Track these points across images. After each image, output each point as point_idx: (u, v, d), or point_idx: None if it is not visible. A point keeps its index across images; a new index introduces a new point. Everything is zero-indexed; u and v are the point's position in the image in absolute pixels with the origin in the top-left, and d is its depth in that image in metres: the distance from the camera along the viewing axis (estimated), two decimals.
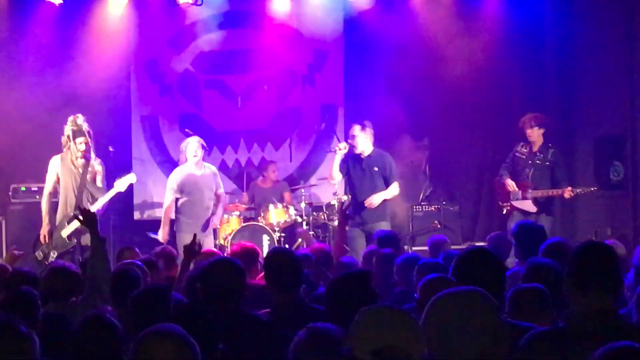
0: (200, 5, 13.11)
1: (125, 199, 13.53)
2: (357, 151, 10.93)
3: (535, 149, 11.24)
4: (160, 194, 13.75)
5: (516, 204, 11.23)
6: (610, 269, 4.01)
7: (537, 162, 11.20)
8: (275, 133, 14.24)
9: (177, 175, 11.47)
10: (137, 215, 13.92)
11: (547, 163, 11.20)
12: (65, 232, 10.43)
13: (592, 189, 11.10)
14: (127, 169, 13.37)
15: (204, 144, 11.48)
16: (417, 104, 13.53)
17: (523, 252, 6.96)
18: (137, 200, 13.87)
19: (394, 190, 10.94)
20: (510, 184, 11.26)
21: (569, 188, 10.97)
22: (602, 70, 11.88)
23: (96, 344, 4.22)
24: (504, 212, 11.41)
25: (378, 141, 12.32)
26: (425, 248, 10.29)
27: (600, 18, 11.88)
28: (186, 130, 13.04)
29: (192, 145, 11.30)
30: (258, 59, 14.13)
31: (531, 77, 13.21)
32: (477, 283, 3.61)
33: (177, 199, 11.46)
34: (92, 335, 4.25)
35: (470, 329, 3.13)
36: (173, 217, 11.51)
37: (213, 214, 11.50)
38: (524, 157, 11.31)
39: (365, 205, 10.73)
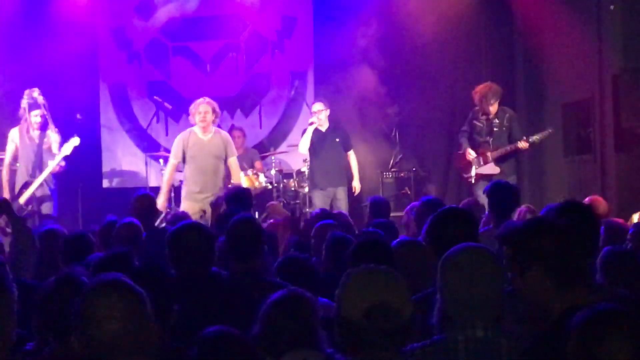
0: None
1: (93, 167, 13.50)
2: (321, 126, 11.74)
3: (492, 116, 11.22)
4: (128, 161, 13.74)
5: (480, 170, 11.22)
6: (587, 231, 4.03)
7: (495, 129, 11.20)
8: (245, 100, 14.19)
9: (178, 140, 10.80)
10: (105, 184, 13.86)
11: (504, 128, 11.22)
12: (22, 199, 10.73)
13: (549, 131, 11.10)
14: (95, 136, 13.38)
15: (216, 107, 10.78)
16: (387, 70, 13.50)
17: (497, 211, 6.97)
18: (105, 168, 13.81)
19: (355, 160, 11.99)
20: (470, 153, 11.27)
21: (523, 139, 10.99)
22: (570, 37, 11.91)
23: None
24: (472, 182, 11.37)
25: (348, 108, 12.37)
26: (397, 214, 10.37)
27: None
28: (155, 97, 12.97)
29: (201, 109, 10.62)
30: (226, 25, 14.05)
31: (499, 44, 13.23)
32: (452, 242, 3.69)
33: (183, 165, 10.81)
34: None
35: (485, 284, 3.39)
36: (174, 184, 11.28)
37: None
38: (482, 125, 11.30)
39: (354, 193, 11.97)
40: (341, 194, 11.69)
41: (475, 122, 11.34)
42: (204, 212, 10.06)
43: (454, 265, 3.46)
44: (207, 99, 10.78)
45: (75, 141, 10.88)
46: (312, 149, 11.76)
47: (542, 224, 3.42)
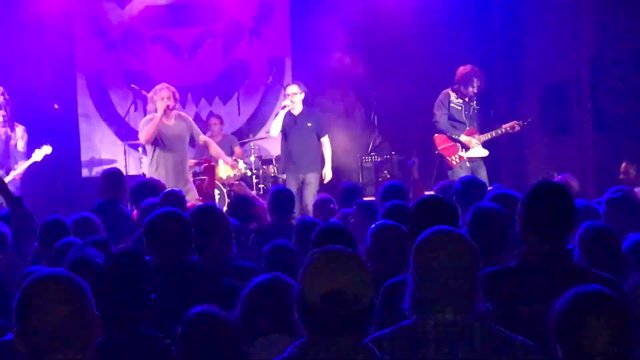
0: None
1: (72, 157, 13.44)
2: (293, 109, 11.54)
3: (469, 98, 11.22)
4: (107, 150, 13.70)
5: (468, 154, 11.21)
6: (563, 209, 4.04)
7: (472, 110, 11.22)
8: (223, 87, 14.15)
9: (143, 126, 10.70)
10: (85, 173, 13.80)
11: (479, 107, 11.25)
12: None
13: (529, 119, 11.21)
14: (73, 126, 13.31)
15: (175, 92, 10.62)
16: (365, 54, 13.51)
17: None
18: (84, 157, 13.75)
19: (329, 147, 11.68)
20: (467, 140, 11.21)
21: (515, 122, 11.05)
22: (548, 19, 11.94)
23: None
24: (454, 163, 11.32)
25: (325, 93, 12.34)
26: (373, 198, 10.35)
27: None
28: (132, 86, 12.92)
29: (163, 94, 10.46)
30: (203, 12, 14.00)
31: (478, 27, 13.25)
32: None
33: (150, 151, 10.74)
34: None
35: (458, 266, 3.37)
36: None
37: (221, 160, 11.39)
38: (460, 107, 11.29)
39: (324, 182, 11.59)
40: (311, 179, 11.44)
41: (452, 104, 11.30)
42: None
43: (427, 248, 3.43)
44: (166, 84, 10.65)
45: (46, 149, 10.85)
46: (284, 133, 11.55)
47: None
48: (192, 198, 10.15)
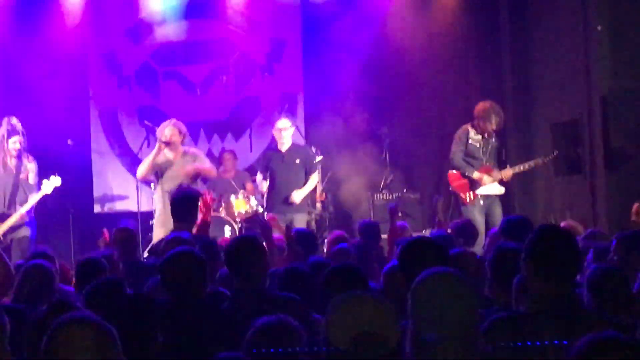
0: None
1: (85, 192, 13.48)
2: (282, 144, 11.35)
3: (488, 134, 11.13)
4: (120, 186, 13.73)
5: (482, 191, 11.12)
6: (570, 256, 4.03)
7: (491, 147, 11.14)
8: (235, 123, 14.22)
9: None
10: (97, 209, 13.84)
11: (497, 144, 11.21)
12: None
13: (554, 153, 11.18)
14: (86, 161, 13.35)
15: (181, 128, 10.71)
16: (377, 91, 13.57)
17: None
18: (97, 193, 13.80)
19: (312, 182, 11.43)
20: (479, 177, 11.14)
21: (543, 157, 11.03)
22: (559, 56, 11.97)
23: None
24: (468, 200, 11.23)
25: (338, 130, 12.36)
26: (385, 235, 10.33)
27: (556, 5, 11.98)
28: (145, 122, 12.97)
29: (167, 132, 10.59)
30: (216, 49, 14.10)
31: (488, 65, 13.30)
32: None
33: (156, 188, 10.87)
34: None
35: (456, 307, 3.35)
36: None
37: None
38: (479, 144, 11.20)
39: (289, 202, 11.19)
40: (298, 222, 11.06)
41: (470, 141, 11.15)
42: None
43: (425, 289, 3.43)
44: (174, 120, 10.77)
45: (56, 181, 10.71)
46: (271, 170, 11.33)
47: None
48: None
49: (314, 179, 11.50)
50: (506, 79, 13.21)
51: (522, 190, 12.72)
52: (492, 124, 10.95)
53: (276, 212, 10.94)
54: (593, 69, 11.33)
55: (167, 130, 10.61)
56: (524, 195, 12.81)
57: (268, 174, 11.45)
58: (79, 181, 12.63)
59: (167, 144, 10.53)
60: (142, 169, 10.72)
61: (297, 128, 12.91)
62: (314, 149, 11.87)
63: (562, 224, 8.12)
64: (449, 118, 13.37)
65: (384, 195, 12.99)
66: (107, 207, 13.76)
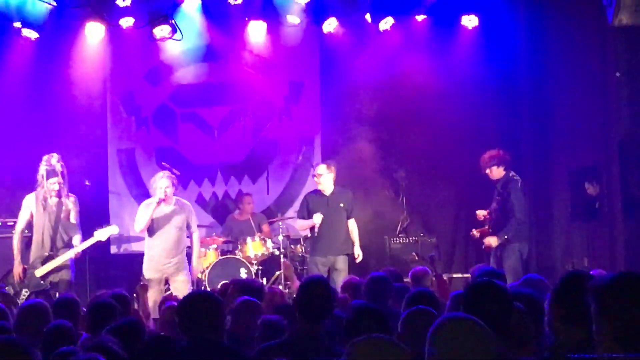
0: (180, 40, 12.81)
1: None
2: (322, 189, 11.52)
3: (498, 185, 11.20)
4: None
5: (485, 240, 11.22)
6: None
7: (498, 197, 11.17)
8: (252, 165, 14.24)
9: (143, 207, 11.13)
10: (113, 249, 13.83)
11: (500, 197, 11.20)
12: (39, 273, 10.44)
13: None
14: (103, 202, 13.37)
15: (175, 181, 11.05)
16: (393, 135, 13.60)
17: None
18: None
19: (356, 227, 11.60)
20: (479, 213, 11.27)
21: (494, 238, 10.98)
22: (576, 103, 11.98)
23: None
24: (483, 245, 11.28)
25: (355, 173, 12.37)
26: (407, 280, 10.30)
27: (574, 51, 12.00)
28: (163, 163, 13.01)
29: (162, 183, 10.86)
30: (234, 91, 14.16)
31: (506, 110, 13.33)
32: (485, 315, 3.71)
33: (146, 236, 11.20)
34: None
35: (475, 352, 3.36)
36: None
37: (191, 263, 11.18)
38: (495, 194, 11.28)
39: (356, 261, 11.49)
40: (341, 264, 11.29)
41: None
42: None
43: (443, 334, 3.43)
44: (167, 173, 11.07)
45: (113, 229, 10.86)
46: (314, 213, 11.45)
47: None
48: (182, 288, 10.60)
49: (354, 223, 11.61)
50: (523, 122, 13.21)
51: (539, 235, 12.67)
52: (485, 169, 11.23)
53: (320, 255, 11.37)
54: (611, 115, 11.32)
55: (162, 182, 10.87)
56: (541, 241, 12.76)
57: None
58: (95, 222, 12.62)
59: (164, 200, 10.82)
60: (142, 224, 10.99)
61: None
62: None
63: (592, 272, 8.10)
64: (466, 162, 13.35)
65: (401, 238, 12.96)
66: (124, 248, 13.76)
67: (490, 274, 6.90)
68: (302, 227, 11.90)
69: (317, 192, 11.62)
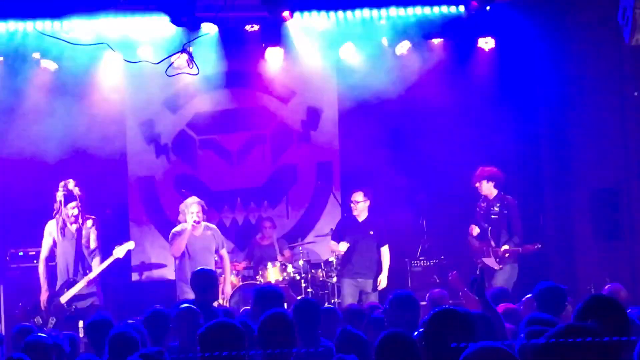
0: (196, 75, 12.73)
1: (123, 261, 13.49)
2: (357, 215, 11.97)
3: (490, 202, 11.26)
4: (157, 255, 13.76)
5: (485, 260, 11.24)
6: (616, 324, 3.99)
7: (493, 216, 11.21)
8: (272, 191, 14.28)
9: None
10: (135, 277, 13.86)
11: (498, 216, 11.21)
12: (64, 299, 10.48)
13: (536, 246, 11.11)
14: (124, 230, 13.41)
15: (204, 205, 11.31)
16: (412, 159, 13.59)
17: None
18: (134, 262, 13.79)
19: (387, 256, 12.01)
20: (473, 241, 11.34)
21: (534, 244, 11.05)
22: (595, 123, 11.95)
23: None
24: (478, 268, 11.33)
25: (374, 197, 12.36)
26: (423, 303, 10.26)
27: (592, 72, 11.99)
28: (183, 191, 13.05)
29: (193, 208, 11.09)
30: (252, 117, 14.21)
31: (525, 130, 13.28)
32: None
33: (176, 261, 11.39)
34: None
35: None
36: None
37: (221, 283, 11.20)
38: (482, 212, 11.35)
39: (378, 288, 11.84)
40: (369, 288, 11.82)
41: (477, 209, 11.42)
42: None
43: None
44: (197, 199, 11.25)
45: (130, 245, 10.92)
46: (347, 238, 11.88)
47: None
48: None
49: (387, 252, 11.99)
50: (544, 144, 13.18)
51: (560, 255, 12.62)
52: (476, 184, 11.60)
53: (348, 277, 11.90)
54: (630, 134, 11.29)
55: (194, 207, 11.05)
56: (562, 260, 12.70)
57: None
58: None
59: (198, 223, 10.97)
60: (179, 248, 11.09)
61: (334, 195, 13.21)
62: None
63: (606, 287, 8.07)
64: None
65: (421, 262, 12.93)
66: (145, 276, 13.77)
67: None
68: (331, 248, 12.38)
69: (351, 217, 12.07)
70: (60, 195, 10.66)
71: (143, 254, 13.91)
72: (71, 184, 10.67)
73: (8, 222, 12.92)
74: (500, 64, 13.12)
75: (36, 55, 12.55)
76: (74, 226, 10.68)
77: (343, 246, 11.82)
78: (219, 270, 11.34)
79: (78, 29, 12.18)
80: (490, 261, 11.14)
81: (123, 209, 13.82)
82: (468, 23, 12.91)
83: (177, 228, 11.29)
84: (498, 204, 11.21)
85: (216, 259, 11.52)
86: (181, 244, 11.05)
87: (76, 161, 13.12)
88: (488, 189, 11.28)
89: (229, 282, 11.60)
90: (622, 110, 11.37)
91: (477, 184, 11.37)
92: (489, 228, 11.24)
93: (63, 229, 10.65)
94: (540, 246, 11.18)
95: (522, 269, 11.51)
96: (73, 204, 10.62)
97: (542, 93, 13.14)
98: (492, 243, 11.10)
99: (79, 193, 10.68)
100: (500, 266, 11.04)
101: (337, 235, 12.10)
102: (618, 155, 11.57)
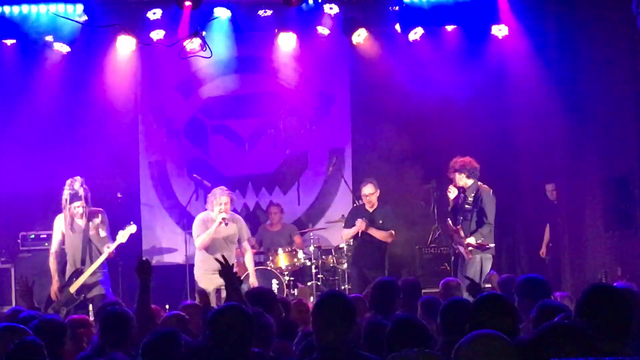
0: (209, 58, 12.67)
1: (133, 245, 13.53)
2: (370, 207, 12.01)
3: (465, 193, 11.24)
4: (168, 239, 13.79)
5: (459, 248, 11.22)
6: (621, 316, 3.97)
7: (466, 206, 11.18)
8: (283, 177, 14.29)
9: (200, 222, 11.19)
10: None
11: (471, 206, 11.16)
12: (73, 288, 10.53)
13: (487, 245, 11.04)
14: (135, 214, 13.43)
15: (234, 198, 11.31)
16: (424, 145, 13.56)
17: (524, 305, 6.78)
18: (145, 246, 13.84)
19: (387, 236, 11.99)
20: (449, 225, 11.34)
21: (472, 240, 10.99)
22: (609, 111, 11.89)
23: None
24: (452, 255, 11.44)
25: (385, 185, 12.37)
26: (434, 290, 10.27)
27: (605, 60, 11.92)
28: (194, 175, 13.08)
29: (223, 199, 10.96)
30: (265, 103, 14.20)
31: (538, 119, 13.23)
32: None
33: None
34: None
35: None
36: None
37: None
38: (459, 202, 11.30)
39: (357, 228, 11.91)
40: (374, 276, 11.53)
41: (454, 200, 11.34)
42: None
43: (468, 352, 3.45)
44: (226, 190, 11.08)
45: (132, 229, 10.85)
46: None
47: None
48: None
49: (389, 233, 12.00)
50: (556, 133, 13.12)
51: (571, 244, 12.59)
52: (450, 174, 11.47)
53: (356, 268, 12.11)
54: None
55: (223, 198, 10.93)
56: (573, 250, 12.67)
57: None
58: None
59: (227, 224, 10.93)
60: (204, 242, 11.02)
61: (345, 181, 13.20)
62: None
63: (615, 284, 8.02)
64: (498, 171, 13.30)
65: (433, 249, 12.91)
66: (156, 260, 13.78)
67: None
68: (345, 235, 12.28)
69: (362, 207, 12.13)
70: (66, 193, 10.64)
71: (154, 238, 13.94)
72: (77, 182, 10.64)
73: (19, 204, 12.95)
74: (513, 52, 13.06)
75: (49, 38, 12.54)
76: (82, 221, 10.69)
77: (359, 222, 11.82)
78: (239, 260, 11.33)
79: (91, 11, 12.18)
80: (462, 250, 11.11)
81: (134, 193, 13.84)
82: (482, 10, 12.87)
83: (202, 215, 11.18)
84: (473, 194, 11.16)
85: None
86: (206, 240, 10.97)
87: (88, 144, 13.16)
88: (460, 179, 11.24)
89: (253, 273, 11.43)
90: (634, 99, 11.31)
91: (452, 175, 11.30)
92: (461, 218, 11.20)
93: (71, 224, 10.69)
94: (490, 247, 11.04)
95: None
96: (78, 203, 10.61)
97: (554, 81, 13.07)
98: (462, 234, 11.06)
99: (85, 192, 10.64)
100: (470, 257, 10.98)
101: (350, 225, 12.10)
102: (630, 143, 11.51)
